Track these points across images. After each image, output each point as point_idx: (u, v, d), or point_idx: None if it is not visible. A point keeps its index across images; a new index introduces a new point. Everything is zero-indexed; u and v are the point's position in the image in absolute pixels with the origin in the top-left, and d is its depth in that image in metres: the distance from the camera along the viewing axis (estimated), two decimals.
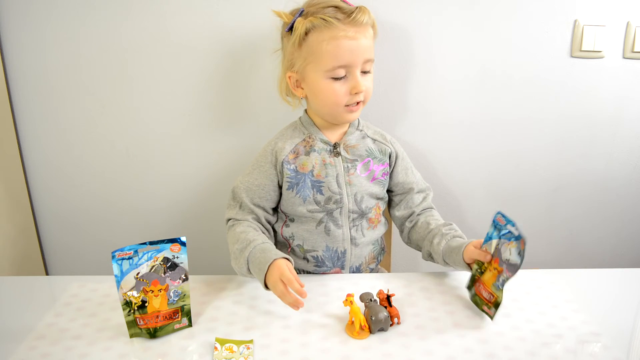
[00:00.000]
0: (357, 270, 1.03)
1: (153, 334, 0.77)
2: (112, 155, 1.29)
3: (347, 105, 0.96)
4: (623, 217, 1.40)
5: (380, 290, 0.82)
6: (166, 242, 0.77)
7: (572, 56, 1.23)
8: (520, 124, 1.29)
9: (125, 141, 1.28)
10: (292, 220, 1.02)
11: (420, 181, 1.07)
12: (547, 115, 1.29)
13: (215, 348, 0.73)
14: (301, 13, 0.94)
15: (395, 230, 1.15)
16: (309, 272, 1.02)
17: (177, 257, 0.78)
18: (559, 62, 1.24)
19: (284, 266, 0.83)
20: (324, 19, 0.90)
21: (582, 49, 1.22)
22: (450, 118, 1.28)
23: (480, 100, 1.26)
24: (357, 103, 0.97)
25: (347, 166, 1.00)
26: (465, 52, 1.22)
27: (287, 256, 0.86)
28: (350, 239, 1.00)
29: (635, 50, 1.22)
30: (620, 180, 1.36)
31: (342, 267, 1.02)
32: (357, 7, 0.92)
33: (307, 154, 0.99)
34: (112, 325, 0.80)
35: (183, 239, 0.78)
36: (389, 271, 1.20)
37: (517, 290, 0.89)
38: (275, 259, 0.84)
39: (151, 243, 0.76)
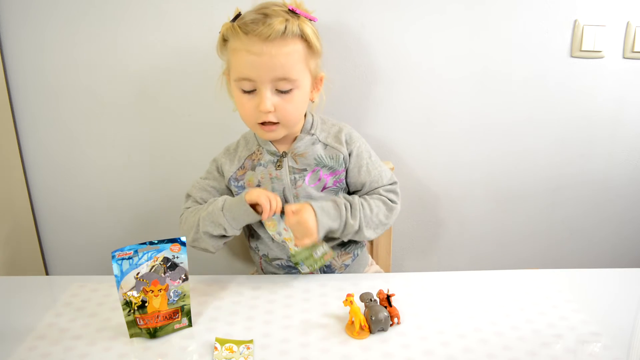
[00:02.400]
0: (329, 268, 1.02)
1: (153, 334, 0.77)
2: (112, 155, 1.29)
3: (259, 123, 0.90)
4: (623, 217, 1.40)
5: (380, 290, 0.82)
6: (166, 242, 0.77)
7: (572, 56, 1.23)
8: (520, 124, 1.29)
9: (125, 141, 1.28)
10: (254, 231, 1.02)
11: (377, 179, 0.98)
12: (547, 115, 1.29)
13: (215, 348, 0.73)
14: (236, 17, 0.88)
15: (395, 230, 1.15)
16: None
17: (177, 257, 0.78)
18: (559, 62, 1.24)
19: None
20: (234, 28, 0.85)
21: (582, 49, 1.22)
22: (450, 118, 1.28)
23: (480, 100, 1.26)
24: (272, 123, 0.89)
25: (295, 177, 0.95)
26: (466, 52, 1.22)
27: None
28: None
29: (635, 50, 1.22)
30: (620, 180, 1.36)
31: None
32: (277, 18, 0.84)
33: (253, 168, 0.97)
34: (112, 325, 0.80)
35: (183, 239, 0.78)
36: (389, 271, 1.20)
37: (517, 290, 0.89)
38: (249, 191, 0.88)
39: (151, 243, 0.76)
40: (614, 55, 1.24)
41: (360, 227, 0.93)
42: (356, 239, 0.96)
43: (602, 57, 1.24)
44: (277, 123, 0.90)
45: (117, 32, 1.18)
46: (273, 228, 0.93)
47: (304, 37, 0.87)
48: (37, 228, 1.35)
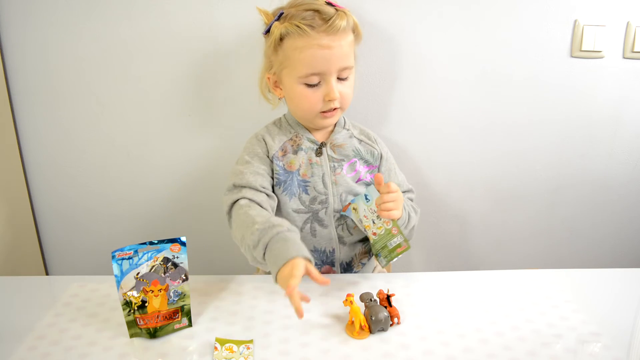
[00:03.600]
0: (348, 266, 1.03)
1: (153, 334, 0.77)
2: (112, 155, 1.29)
3: (322, 112, 0.95)
4: (623, 217, 1.40)
5: (380, 290, 0.82)
6: (166, 242, 0.77)
7: (572, 56, 1.23)
8: (520, 124, 1.29)
9: (126, 141, 1.28)
10: (281, 214, 1.01)
11: (403, 183, 1.06)
12: (547, 116, 1.29)
13: (215, 348, 0.73)
14: (280, 16, 0.92)
15: None
16: None
17: (177, 257, 0.78)
18: (559, 62, 1.24)
19: (301, 266, 0.74)
20: (298, 26, 0.88)
21: (582, 49, 1.22)
22: (450, 118, 1.28)
23: (480, 101, 1.26)
24: (334, 109, 0.95)
25: (334, 165, 0.99)
26: (465, 52, 1.22)
27: (308, 255, 0.78)
28: (338, 238, 1.00)
29: (635, 50, 1.22)
30: (620, 180, 1.36)
31: (332, 265, 1.02)
32: (336, 13, 0.90)
33: (295, 152, 0.99)
34: (112, 325, 0.80)
35: (183, 239, 0.78)
36: (389, 271, 1.20)
37: (517, 290, 0.89)
38: (295, 257, 0.76)
39: (151, 243, 0.77)
40: (614, 55, 1.24)
41: (414, 224, 0.99)
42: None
43: (602, 57, 1.24)
44: (337, 108, 0.96)
45: (117, 32, 1.18)
46: (356, 214, 0.95)
47: (354, 28, 0.95)
48: (37, 228, 1.35)
